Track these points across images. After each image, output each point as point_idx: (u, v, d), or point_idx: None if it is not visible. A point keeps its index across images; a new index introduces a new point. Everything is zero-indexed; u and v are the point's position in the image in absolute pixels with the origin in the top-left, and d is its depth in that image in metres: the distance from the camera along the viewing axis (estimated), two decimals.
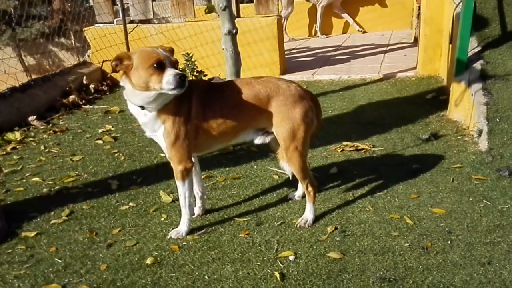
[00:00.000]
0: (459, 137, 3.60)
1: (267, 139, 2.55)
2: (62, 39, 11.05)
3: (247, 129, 2.49)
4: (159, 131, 2.34)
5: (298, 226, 2.56)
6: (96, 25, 6.39)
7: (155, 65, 2.14)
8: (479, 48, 4.19)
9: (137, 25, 6.25)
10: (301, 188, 2.84)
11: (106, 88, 6.00)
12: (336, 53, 7.58)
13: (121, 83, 2.28)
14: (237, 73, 4.48)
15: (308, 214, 2.60)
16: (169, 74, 2.15)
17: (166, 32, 6.19)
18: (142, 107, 2.28)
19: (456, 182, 2.91)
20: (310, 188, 2.57)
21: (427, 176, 3.02)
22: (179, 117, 2.31)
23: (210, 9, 4.84)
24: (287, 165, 2.58)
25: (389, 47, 7.58)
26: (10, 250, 2.47)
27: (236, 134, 2.48)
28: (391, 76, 5.69)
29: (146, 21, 6.45)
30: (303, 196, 2.81)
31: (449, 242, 2.30)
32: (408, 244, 2.30)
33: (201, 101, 2.36)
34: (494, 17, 4.42)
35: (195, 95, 2.36)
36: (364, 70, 6.04)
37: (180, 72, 2.17)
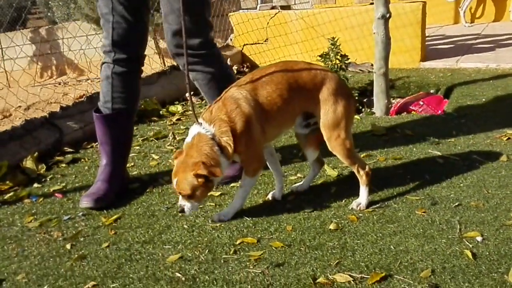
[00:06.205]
0: None
1: (307, 130, 2.62)
2: None
3: (300, 113, 2.55)
4: None
5: (351, 208, 2.59)
6: (241, 10, 6.73)
7: None
8: None
9: (278, 11, 6.47)
10: None
11: (247, 70, 6.34)
12: (477, 41, 7.16)
13: None
14: (386, 58, 4.48)
15: (362, 197, 2.60)
16: None
17: (306, 17, 6.32)
18: None
19: None
20: (361, 172, 2.57)
21: None
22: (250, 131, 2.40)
23: None
24: (310, 153, 2.67)
25: None
26: (201, 206, 2.72)
27: (295, 117, 2.55)
28: None
29: (287, 7, 6.64)
30: None
31: None
32: None
33: (262, 93, 2.40)
34: None
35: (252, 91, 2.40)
36: None
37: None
